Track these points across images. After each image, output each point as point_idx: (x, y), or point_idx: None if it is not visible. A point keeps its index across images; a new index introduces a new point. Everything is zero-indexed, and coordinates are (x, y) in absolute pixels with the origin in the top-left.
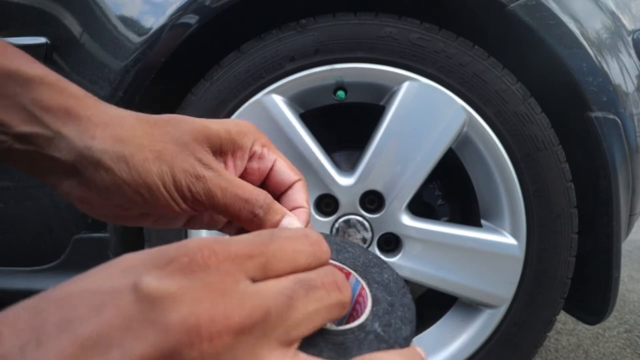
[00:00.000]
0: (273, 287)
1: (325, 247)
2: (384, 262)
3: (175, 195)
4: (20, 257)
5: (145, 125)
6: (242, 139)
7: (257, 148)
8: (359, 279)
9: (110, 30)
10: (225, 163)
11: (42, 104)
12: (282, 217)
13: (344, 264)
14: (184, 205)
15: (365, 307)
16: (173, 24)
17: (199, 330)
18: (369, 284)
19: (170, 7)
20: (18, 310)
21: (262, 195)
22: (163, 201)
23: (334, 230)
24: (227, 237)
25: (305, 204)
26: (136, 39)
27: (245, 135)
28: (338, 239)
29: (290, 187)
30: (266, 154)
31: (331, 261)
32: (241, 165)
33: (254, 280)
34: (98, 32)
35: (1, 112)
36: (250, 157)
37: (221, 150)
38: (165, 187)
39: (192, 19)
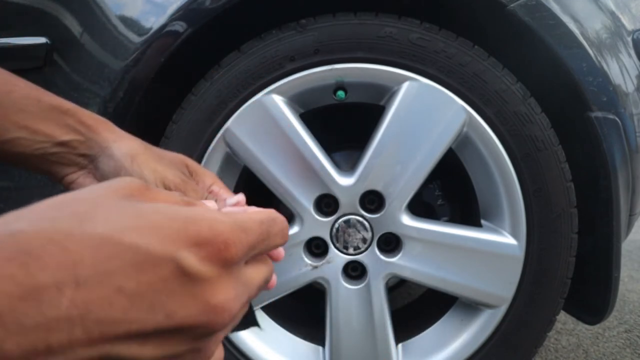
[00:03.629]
0: (257, 277)
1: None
2: None
3: (161, 186)
4: None
5: (146, 144)
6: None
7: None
8: None
9: (110, 30)
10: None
11: (82, 121)
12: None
13: None
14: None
15: None
16: (173, 24)
17: (224, 312)
18: None
19: (170, 7)
20: (41, 241)
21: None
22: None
23: (334, 230)
24: (239, 215)
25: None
26: (136, 39)
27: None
28: None
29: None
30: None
31: None
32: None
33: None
34: (98, 32)
35: (48, 128)
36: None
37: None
38: (155, 180)
39: (192, 19)
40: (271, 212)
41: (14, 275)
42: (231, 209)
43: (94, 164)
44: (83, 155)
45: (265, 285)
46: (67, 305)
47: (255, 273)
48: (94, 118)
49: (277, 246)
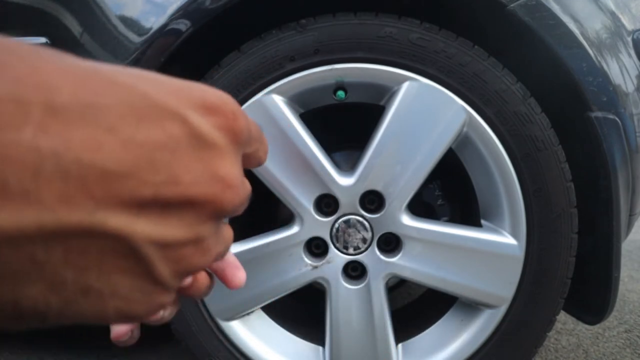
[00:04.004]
0: (248, 184)
1: None
2: None
3: None
4: None
5: None
6: None
7: None
8: None
9: (110, 30)
10: None
11: None
12: None
13: None
14: None
15: None
16: (173, 24)
17: (232, 187)
18: None
19: (170, 7)
20: None
21: None
22: None
23: (334, 230)
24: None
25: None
26: (136, 39)
27: None
28: None
29: None
30: None
31: None
32: None
33: None
34: (98, 32)
35: None
36: None
37: None
38: None
39: (192, 19)
40: None
41: None
42: None
43: None
44: None
45: (245, 204)
46: (33, 130)
47: (245, 182)
48: None
49: (260, 159)
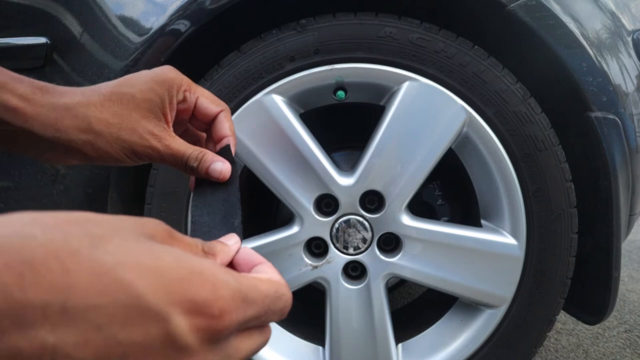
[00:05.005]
0: (244, 348)
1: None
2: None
3: (135, 159)
4: None
5: (96, 111)
6: (170, 95)
7: (180, 95)
8: None
9: (110, 30)
10: (165, 117)
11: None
12: (212, 163)
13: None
14: (141, 162)
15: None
16: (173, 24)
17: None
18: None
19: (170, 7)
20: (46, 254)
21: (195, 153)
22: (127, 163)
23: (334, 229)
24: (247, 281)
25: (228, 132)
26: (136, 39)
27: (169, 89)
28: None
29: (215, 117)
30: (188, 96)
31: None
32: (174, 111)
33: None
34: (98, 32)
35: None
36: (178, 102)
37: (162, 111)
38: (127, 156)
39: (192, 20)
40: (280, 287)
41: (6, 286)
42: (242, 253)
43: (54, 149)
44: (27, 146)
45: (254, 354)
46: (45, 330)
47: (243, 343)
48: (10, 96)
49: (270, 322)
